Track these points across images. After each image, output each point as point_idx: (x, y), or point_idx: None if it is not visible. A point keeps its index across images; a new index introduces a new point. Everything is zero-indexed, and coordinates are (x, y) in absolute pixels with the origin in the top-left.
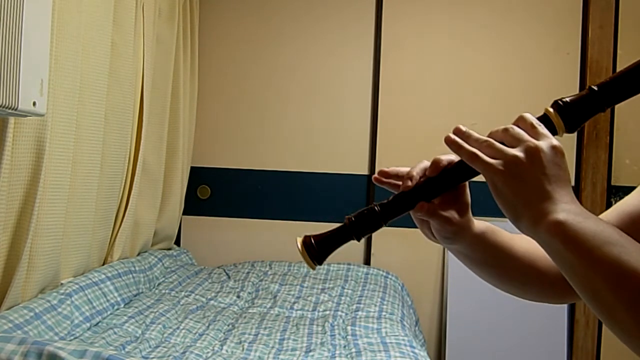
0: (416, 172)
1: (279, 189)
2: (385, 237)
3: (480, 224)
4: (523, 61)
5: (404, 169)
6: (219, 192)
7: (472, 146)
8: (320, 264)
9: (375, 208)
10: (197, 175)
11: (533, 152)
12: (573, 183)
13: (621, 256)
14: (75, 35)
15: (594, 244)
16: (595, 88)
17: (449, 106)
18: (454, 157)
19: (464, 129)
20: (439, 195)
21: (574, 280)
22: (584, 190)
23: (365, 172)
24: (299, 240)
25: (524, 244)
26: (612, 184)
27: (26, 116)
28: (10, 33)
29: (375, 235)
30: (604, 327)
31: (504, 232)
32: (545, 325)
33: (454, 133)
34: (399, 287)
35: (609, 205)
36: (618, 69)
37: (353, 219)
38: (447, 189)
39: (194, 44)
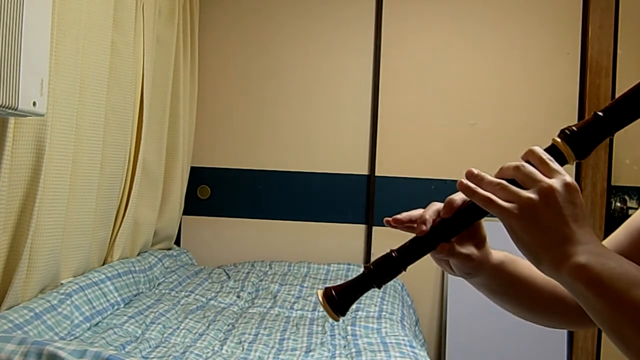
0: (429, 215)
1: (279, 189)
2: (385, 237)
3: (498, 254)
4: (523, 61)
5: (416, 213)
6: (219, 192)
7: (486, 190)
8: (344, 315)
9: (393, 254)
10: (197, 175)
11: (547, 194)
12: None
13: None
14: (75, 35)
15: (620, 287)
16: (601, 114)
17: (449, 106)
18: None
19: (475, 172)
20: (455, 236)
21: (601, 323)
22: (584, 190)
23: (365, 172)
24: (320, 292)
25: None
26: (612, 184)
27: (26, 116)
28: (10, 33)
29: (375, 235)
30: None
31: (523, 261)
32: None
33: (467, 177)
34: (399, 287)
35: (609, 205)
36: (618, 69)
37: (372, 267)
38: (462, 229)
39: (194, 44)
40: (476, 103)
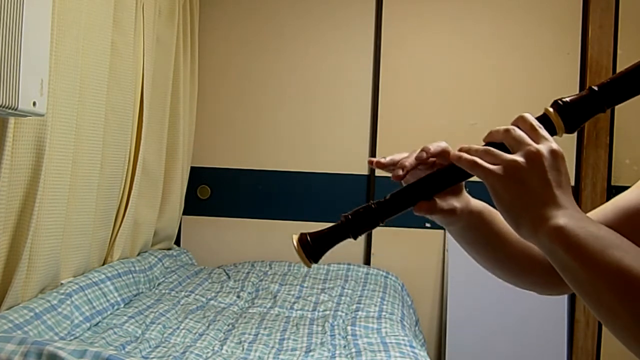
0: (409, 162)
1: (279, 189)
2: (385, 237)
3: (477, 203)
4: (523, 61)
5: (399, 157)
6: (219, 192)
7: (472, 155)
8: (317, 262)
9: (372, 206)
10: (197, 175)
11: (533, 157)
12: (573, 183)
13: (624, 260)
14: (75, 35)
15: (596, 248)
16: (596, 88)
17: (449, 106)
18: (443, 145)
19: (466, 146)
20: (438, 193)
21: (576, 284)
22: (584, 190)
23: (365, 172)
24: (295, 237)
25: None
26: (612, 184)
27: (26, 116)
28: (10, 33)
29: (375, 235)
30: (604, 327)
31: (500, 216)
32: (545, 325)
33: (458, 150)
34: (399, 287)
35: None
36: (618, 69)
37: (350, 217)
38: (445, 188)
39: (194, 44)
40: (476, 103)
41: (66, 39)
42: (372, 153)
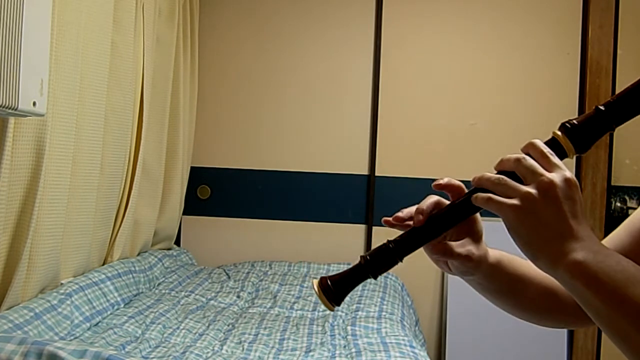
0: (426, 206)
1: (279, 189)
2: (385, 237)
3: (494, 252)
4: (523, 61)
5: (414, 208)
6: (219, 192)
7: (485, 186)
8: (339, 305)
9: (390, 245)
10: (197, 175)
11: (547, 188)
12: None
13: None
14: (75, 35)
15: (617, 284)
16: (602, 108)
17: (449, 106)
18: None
19: (477, 176)
20: (453, 227)
21: (598, 320)
22: (584, 190)
23: (365, 172)
24: (315, 282)
25: (540, 271)
26: (612, 184)
27: (26, 116)
28: (10, 33)
29: (375, 235)
30: None
31: (519, 259)
32: None
33: (472, 181)
34: (399, 287)
35: (609, 205)
36: (618, 69)
37: (368, 257)
38: (459, 220)
39: (194, 44)
40: (476, 103)
41: (66, 39)
42: (372, 153)
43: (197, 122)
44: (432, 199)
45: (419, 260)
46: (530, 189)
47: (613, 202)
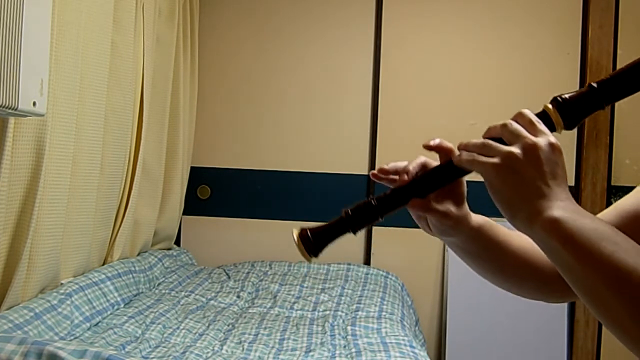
0: (412, 167)
1: (279, 189)
2: (385, 237)
3: (477, 217)
4: (523, 61)
5: (402, 164)
6: (219, 192)
7: (470, 150)
8: (317, 256)
9: (372, 202)
10: (197, 175)
11: (530, 149)
12: (573, 183)
13: (619, 254)
14: (75, 35)
15: (591, 241)
16: (595, 85)
17: (449, 106)
18: (441, 142)
19: (464, 143)
20: (435, 190)
21: (571, 277)
22: (584, 190)
23: (365, 172)
24: (295, 232)
25: (521, 240)
26: (612, 184)
27: (26, 116)
28: (10, 33)
29: (375, 235)
30: (604, 327)
31: (502, 227)
32: (545, 325)
33: (457, 148)
34: (399, 287)
35: (609, 205)
36: (618, 69)
37: (350, 212)
38: (443, 184)
39: (194, 44)
40: (476, 103)
41: (66, 39)
42: (372, 153)
43: (197, 122)
44: (420, 159)
45: (419, 260)
46: (513, 149)
47: (613, 202)
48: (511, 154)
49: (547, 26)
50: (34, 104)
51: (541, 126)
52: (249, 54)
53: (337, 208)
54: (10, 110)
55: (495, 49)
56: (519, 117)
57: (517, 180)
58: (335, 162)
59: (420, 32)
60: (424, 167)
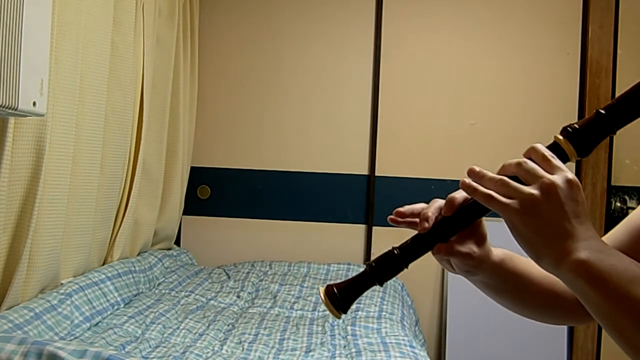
0: (431, 212)
1: (279, 189)
2: (385, 237)
3: (498, 251)
4: (523, 61)
5: (419, 207)
6: (219, 192)
7: (487, 187)
8: (345, 312)
9: (395, 252)
10: (197, 175)
11: (549, 189)
12: None
13: None
14: (75, 35)
15: (619, 283)
16: (603, 112)
17: (449, 106)
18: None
19: (477, 169)
20: (456, 234)
21: (601, 319)
22: (584, 190)
23: (365, 172)
24: (322, 290)
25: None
26: (612, 184)
27: (26, 116)
28: (10, 33)
29: (375, 235)
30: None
31: (522, 257)
32: (545, 325)
33: (468, 175)
34: (399, 287)
35: (609, 205)
36: (618, 69)
37: (374, 264)
38: (464, 227)
39: (194, 44)
40: (476, 103)
41: (66, 39)
42: (372, 153)
43: (197, 122)
44: (437, 203)
45: (419, 261)
46: (532, 190)
47: (613, 202)
48: (531, 196)
49: (547, 26)
50: (34, 104)
51: (556, 161)
52: (249, 54)
53: (337, 208)
54: (10, 110)
55: (495, 49)
56: (532, 153)
57: (540, 223)
58: (335, 162)
59: (420, 32)
60: (441, 210)
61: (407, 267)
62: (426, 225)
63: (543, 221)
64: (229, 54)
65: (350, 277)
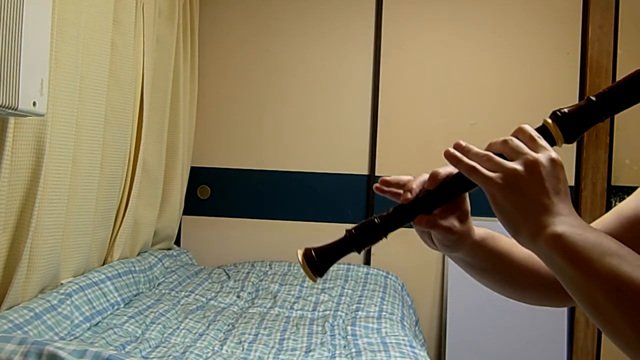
0: (416, 184)
1: (279, 189)
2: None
3: (480, 230)
4: (523, 61)
5: (405, 178)
6: (219, 192)
7: (472, 160)
8: (322, 276)
9: (375, 220)
10: (197, 175)
11: (532, 165)
12: (573, 183)
13: (620, 267)
14: (75, 35)
15: (593, 255)
16: (594, 98)
17: (449, 106)
18: (452, 169)
19: (463, 143)
20: (439, 207)
21: (574, 291)
22: (584, 190)
23: (365, 172)
24: (300, 252)
25: (523, 249)
26: (612, 184)
27: (26, 116)
28: (10, 33)
29: None
30: None
31: (504, 237)
32: (545, 325)
33: (454, 147)
34: (399, 287)
35: (609, 205)
36: (618, 69)
37: (353, 231)
38: (446, 201)
39: (194, 44)
40: (476, 103)
41: (66, 39)
42: (372, 153)
43: (197, 122)
44: (423, 176)
45: (419, 261)
46: (516, 165)
47: (613, 202)
48: (514, 170)
49: (547, 26)
50: (34, 104)
51: (542, 141)
52: (249, 54)
53: (337, 208)
54: (10, 110)
55: (495, 49)
56: (519, 133)
57: (520, 197)
58: (335, 162)
59: (420, 32)
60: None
61: (386, 237)
62: (409, 196)
63: (523, 196)
64: (229, 54)
65: (329, 242)
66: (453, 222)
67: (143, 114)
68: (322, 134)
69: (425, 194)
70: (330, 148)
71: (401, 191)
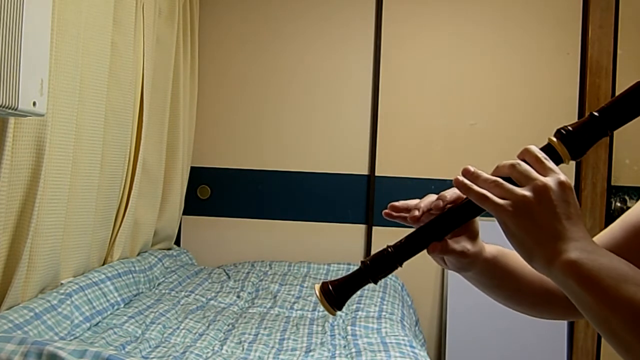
0: (424, 204)
1: (279, 189)
2: (385, 237)
3: (491, 248)
4: (523, 61)
5: (413, 202)
6: (219, 192)
7: (481, 187)
8: (340, 309)
9: (389, 250)
10: (197, 175)
11: (541, 191)
12: (573, 183)
13: (637, 295)
14: (75, 35)
15: (609, 283)
16: (596, 114)
17: (449, 106)
18: (458, 192)
19: (472, 169)
20: (450, 232)
21: (591, 318)
22: (584, 190)
23: (365, 172)
24: (317, 287)
25: None
26: (612, 184)
27: (26, 116)
28: (10, 33)
29: (375, 235)
30: None
31: (514, 254)
32: (545, 325)
33: (463, 174)
34: (399, 287)
35: (609, 205)
36: (618, 69)
37: (368, 262)
38: (457, 226)
39: (194, 44)
40: (476, 103)
41: (66, 39)
42: (372, 153)
43: (197, 122)
44: (431, 197)
45: (419, 260)
46: (525, 192)
47: (613, 202)
48: (524, 197)
49: (547, 26)
50: (34, 104)
51: (549, 163)
52: (249, 54)
53: (337, 208)
54: (10, 110)
55: (495, 49)
56: (526, 155)
57: (532, 224)
58: (335, 162)
59: (420, 32)
60: (434, 204)
61: (401, 266)
62: (416, 213)
63: (535, 222)
64: (229, 54)
65: (346, 274)
66: (465, 244)
67: (143, 114)
68: (322, 134)
69: (437, 219)
70: (330, 148)
71: (407, 215)
